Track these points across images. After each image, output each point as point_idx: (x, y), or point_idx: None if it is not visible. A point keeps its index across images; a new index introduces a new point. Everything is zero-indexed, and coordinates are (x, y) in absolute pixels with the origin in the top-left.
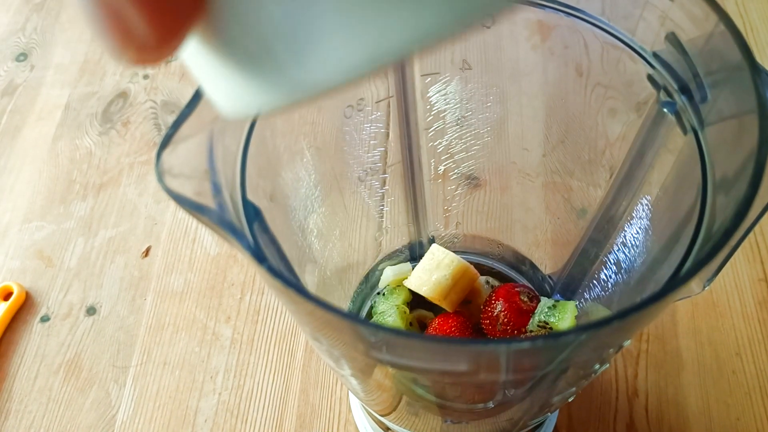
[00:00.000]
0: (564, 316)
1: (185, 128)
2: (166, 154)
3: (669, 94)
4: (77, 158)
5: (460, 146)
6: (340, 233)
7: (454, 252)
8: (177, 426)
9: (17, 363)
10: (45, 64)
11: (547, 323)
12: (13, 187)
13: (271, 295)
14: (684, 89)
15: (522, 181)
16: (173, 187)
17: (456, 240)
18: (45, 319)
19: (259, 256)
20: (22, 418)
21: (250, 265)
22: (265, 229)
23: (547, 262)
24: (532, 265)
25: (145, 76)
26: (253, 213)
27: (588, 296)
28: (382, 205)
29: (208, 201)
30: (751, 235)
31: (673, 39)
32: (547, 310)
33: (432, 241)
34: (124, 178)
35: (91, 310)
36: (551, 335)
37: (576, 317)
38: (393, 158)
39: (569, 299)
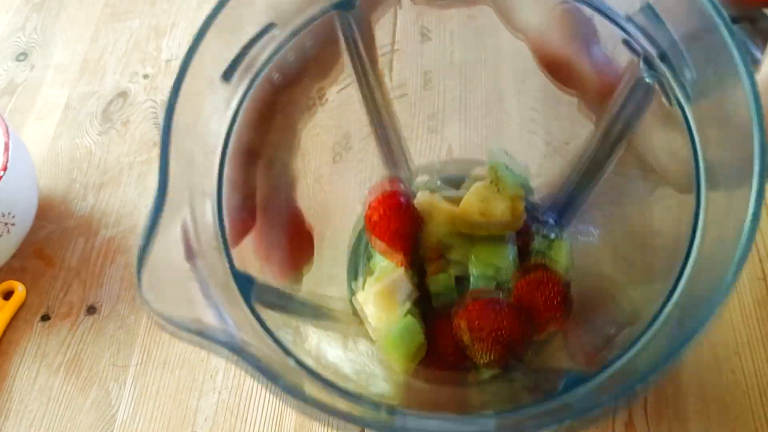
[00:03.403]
0: (560, 254)
1: (156, 238)
2: (146, 276)
3: (649, 62)
4: (77, 157)
5: (432, 107)
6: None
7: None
8: (177, 425)
9: (17, 362)
10: (45, 64)
11: (545, 255)
12: None
13: None
14: (663, 57)
15: (504, 118)
16: (164, 312)
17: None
18: (45, 318)
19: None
20: (22, 417)
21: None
22: (264, 290)
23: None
24: None
25: (145, 76)
26: (247, 284)
27: (581, 223)
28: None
29: (204, 313)
30: None
31: (647, 9)
32: (540, 245)
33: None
34: (124, 177)
35: (91, 310)
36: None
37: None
38: (362, 133)
39: (562, 225)
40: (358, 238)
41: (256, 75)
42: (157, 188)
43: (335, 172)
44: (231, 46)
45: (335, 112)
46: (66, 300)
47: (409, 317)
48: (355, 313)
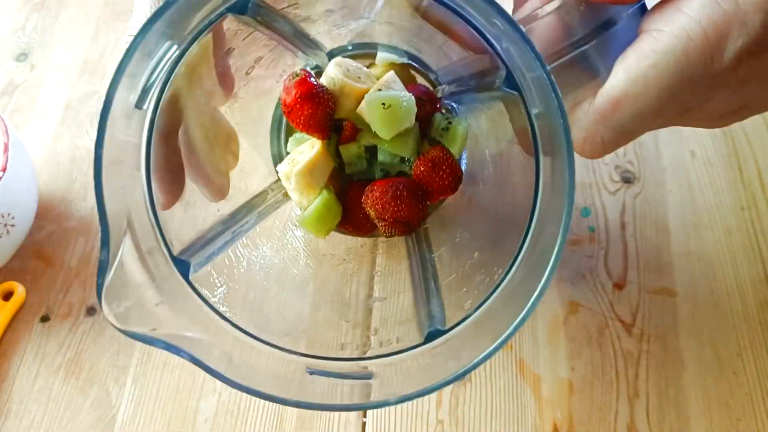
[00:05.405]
0: (455, 141)
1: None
2: (109, 301)
3: (511, 77)
4: (77, 158)
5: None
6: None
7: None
8: (177, 426)
9: (17, 363)
10: (45, 64)
11: (440, 141)
12: None
13: None
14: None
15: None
16: (128, 329)
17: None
18: (45, 319)
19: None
20: (22, 418)
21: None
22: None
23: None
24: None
25: None
26: (185, 266)
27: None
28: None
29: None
30: (752, 234)
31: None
32: (441, 130)
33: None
34: None
35: (91, 311)
36: None
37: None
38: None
39: (459, 110)
40: (280, 117)
41: (161, 91)
42: (101, 226)
43: (250, 79)
44: (139, 76)
45: (242, 52)
46: (66, 301)
47: (326, 193)
48: (279, 183)
